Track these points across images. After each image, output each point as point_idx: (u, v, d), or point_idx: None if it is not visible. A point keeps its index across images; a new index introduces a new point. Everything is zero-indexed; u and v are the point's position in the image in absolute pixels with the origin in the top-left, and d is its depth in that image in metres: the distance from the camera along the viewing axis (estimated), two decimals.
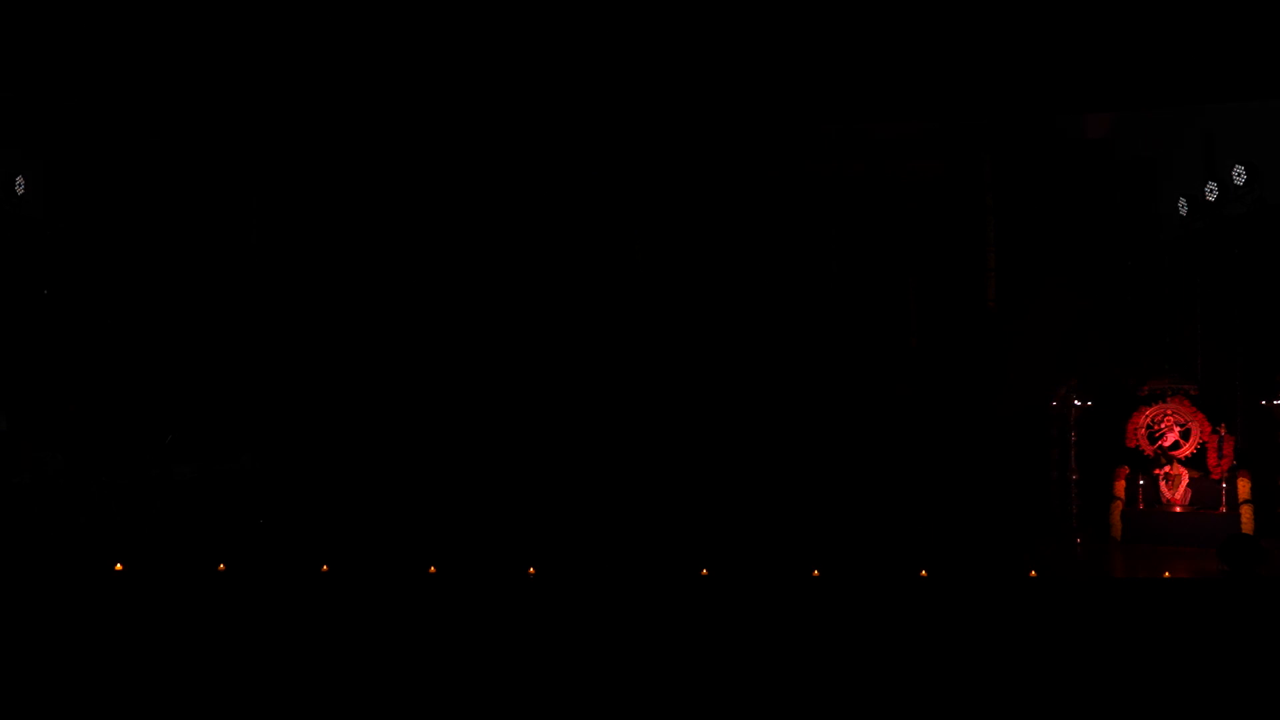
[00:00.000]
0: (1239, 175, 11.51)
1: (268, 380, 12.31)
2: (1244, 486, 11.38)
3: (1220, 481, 11.42)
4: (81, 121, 12.13)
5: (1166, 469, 11.61)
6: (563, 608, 8.76)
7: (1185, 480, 11.54)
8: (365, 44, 11.80)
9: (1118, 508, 11.67)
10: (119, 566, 8.99)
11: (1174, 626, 8.58)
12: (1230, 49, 11.49)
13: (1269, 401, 11.75)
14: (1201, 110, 12.19)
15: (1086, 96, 12.15)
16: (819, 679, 7.94)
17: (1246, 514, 11.20)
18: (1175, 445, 11.72)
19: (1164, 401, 11.84)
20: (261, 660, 8.09)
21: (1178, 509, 11.49)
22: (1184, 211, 12.24)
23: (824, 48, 11.83)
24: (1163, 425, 11.79)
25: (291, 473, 11.97)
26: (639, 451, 12.16)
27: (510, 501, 11.80)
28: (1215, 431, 11.61)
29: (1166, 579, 9.35)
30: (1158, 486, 11.60)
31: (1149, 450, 11.76)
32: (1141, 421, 11.85)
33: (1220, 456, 11.54)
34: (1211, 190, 11.80)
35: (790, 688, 7.85)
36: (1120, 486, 11.72)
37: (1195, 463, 11.65)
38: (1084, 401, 11.91)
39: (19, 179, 11.46)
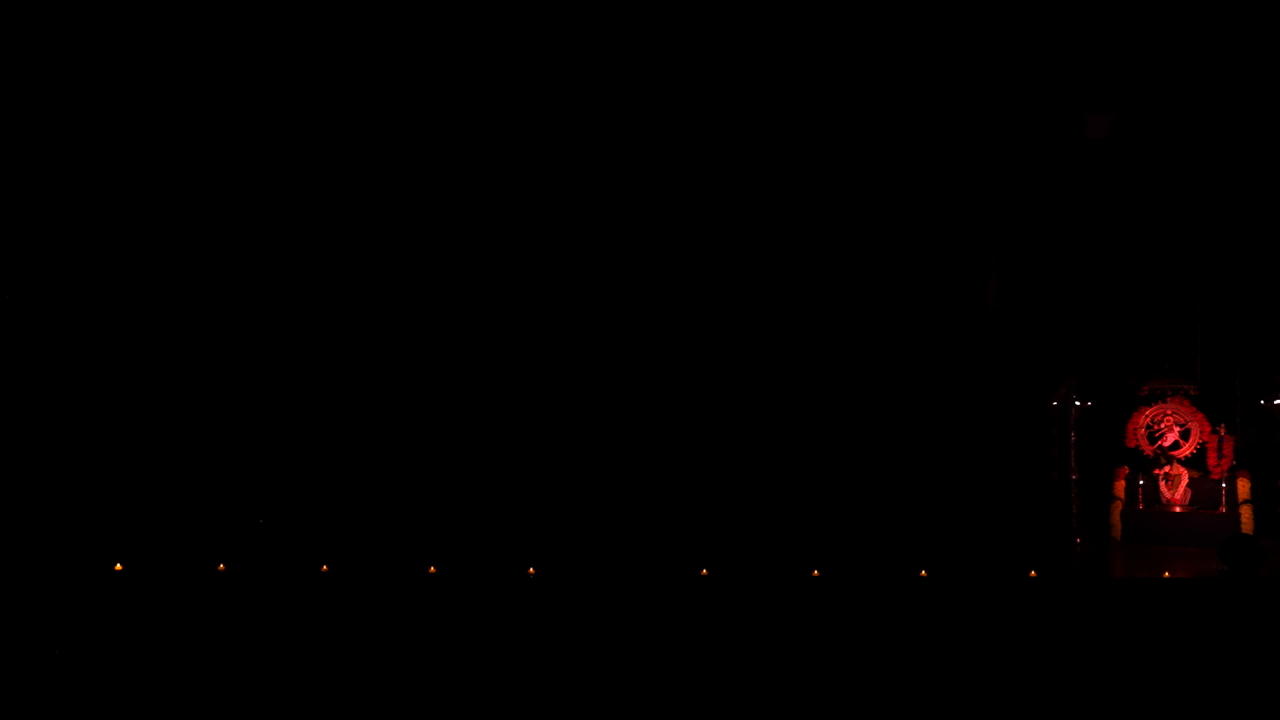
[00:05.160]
0: None
1: (268, 381, 12.31)
2: (1244, 486, 11.38)
3: (1220, 481, 11.42)
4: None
5: (1166, 469, 11.62)
6: (563, 608, 8.77)
7: (1185, 480, 11.55)
8: (359, 42, 11.83)
9: (1118, 508, 11.67)
10: (119, 566, 8.99)
11: (1174, 626, 8.58)
12: (1229, 49, 11.49)
13: (1269, 401, 11.76)
14: None
15: (1086, 96, 12.16)
16: (819, 679, 7.94)
17: (1246, 514, 11.20)
18: (1175, 445, 11.73)
19: (1164, 401, 11.85)
20: (261, 660, 8.09)
21: (1178, 509, 11.50)
22: None
23: (825, 48, 11.83)
24: (1163, 425, 11.79)
25: (291, 473, 11.97)
26: (639, 451, 12.16)
27: (510, 501, 11.80)
28: (1215, 431, 11.62)
29: (1166, 579, 9.35)
30: (1158, 486, 11.61)
31: (1149, 450, 11.76)
32: (1141, 421, 11.86)
33: (1220, 456, 11.55)
34: None
35: (790, 688, 7.85)
36: (1120, 486, 11.73)
37: (1195, 463, 11.65)
38: (1084, 401, 11.92)
39: None
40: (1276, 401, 11.68)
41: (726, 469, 12.10)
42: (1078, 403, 11.89)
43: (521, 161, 12.55)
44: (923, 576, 9.18)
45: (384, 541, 10.62)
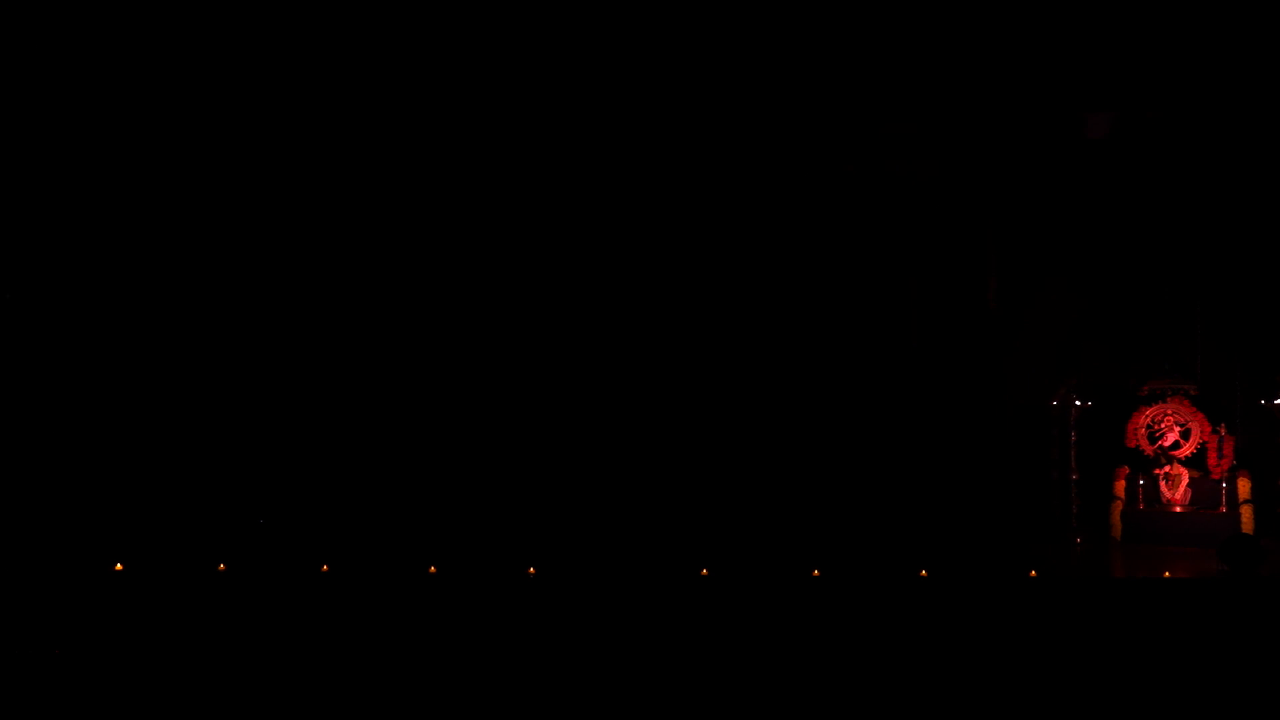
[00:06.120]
0: None
1: (267, 381, 12.30)
2: (1244, 486, 11.39)
3: (1220, 481, 11.42)
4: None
5: (1166, 469, 11.62)
6: (563, 608, 8.77)
7: (1185, 480, 11.55)
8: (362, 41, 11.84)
9: (1118, 508, 11.67)
10: (119, 566, 8.99)
11: (1174, 626, 8.58)
12: (1229, 49, 11.49)
13: (1269, 401, 11.76)
14: None
15: (1086, 96, 12.16)
16: (819, 679, 7.94)
17: (1246, 514, 11.20)
18: (1175, 445, 11.73)
19: (1164, 401, 11.85)
20: (261, 660, 8.09)
21: (1178, 509, 11.50)
22: None
23: (825, 48, 11.83)
24: (1163, 425, 11.79)
25: (291, 473, 11.97)
26: (639, 452, 12.16)
27: (510, 501, 11.79)
28: (1215, 431, 11.62)
29: (1166, 579, 9.35)
30: (1158, 486, 11.61)
31: (1149, 450, 11.76)
32: (1141, 421, 11.86)
33: (1220, 456, 11.55)
34: None
35: (790, 688, 7.85)
36: (1120, 486, 11.73)
37: (1195, 463, 11.65)
38: (1084, 401, 11.91)
39: None
40: (1276, 401, 11.67)
41: (727, 469, 12.09)
42: (1078, 403, 11.89)
43: (521, 162, 12.54)
44: (923, 576, 9.18)
45: (384, 541, 10.61)
